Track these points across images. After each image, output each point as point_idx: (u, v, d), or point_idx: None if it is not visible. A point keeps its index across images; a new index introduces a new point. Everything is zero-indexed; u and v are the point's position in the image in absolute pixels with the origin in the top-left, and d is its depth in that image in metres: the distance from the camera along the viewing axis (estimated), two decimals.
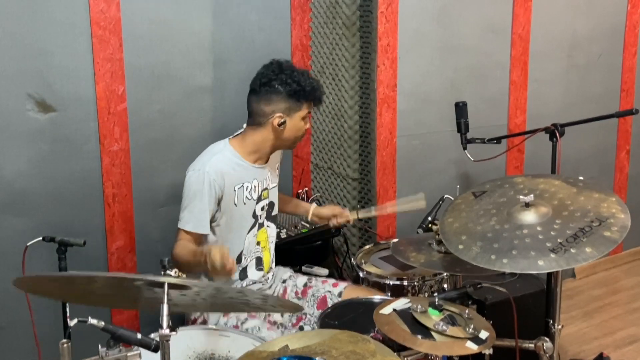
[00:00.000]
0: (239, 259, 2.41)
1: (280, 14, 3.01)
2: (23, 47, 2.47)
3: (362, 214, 2.70)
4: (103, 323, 1.56)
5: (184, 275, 1.62)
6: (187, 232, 2.29)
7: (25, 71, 2.49)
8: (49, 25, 2.51)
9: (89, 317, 1.56)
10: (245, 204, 2.38)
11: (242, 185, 2.36)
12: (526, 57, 3.46)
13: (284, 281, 2.57)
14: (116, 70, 2.64)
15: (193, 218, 2.28)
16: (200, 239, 2.31)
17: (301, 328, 2.39)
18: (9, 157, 2.52)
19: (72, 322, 1.63)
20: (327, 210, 2.70)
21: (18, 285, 1.49)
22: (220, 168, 2.30)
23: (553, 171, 2.43)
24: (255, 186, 2.40)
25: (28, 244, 2.16)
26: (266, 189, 2.46)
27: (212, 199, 2.28)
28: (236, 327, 2.28)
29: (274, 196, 2.53)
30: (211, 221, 2.33)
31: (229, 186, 2.32)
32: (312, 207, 2.72)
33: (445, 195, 2.65)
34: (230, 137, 2.43)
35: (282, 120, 2.33)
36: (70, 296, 1.73)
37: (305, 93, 2.34)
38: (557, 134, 2.43)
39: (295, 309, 1.85)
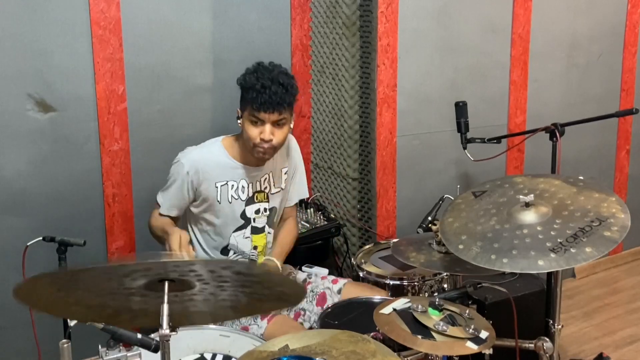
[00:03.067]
0: (225, 252, 2.43)
1: (280, 14, 3.01)
2: (23, 47, 2.48)
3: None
4: (103, 323, 1.56)
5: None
6: (160, 208, 2.40)
7: (25, 71, 2.49)
8: (49, 25, 2.51)
9: None
10: (230, 202, 2.38)
11: (226, 183, 2.37)
12: (526, 57, 3.46)
13: None
14: (116, 70, 2.64)
15: (166, 202, 2.38)
16: (172, 219, 2.40)
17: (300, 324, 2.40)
18: (9, 157, 2.52)
19: (72, 322, 1.63)
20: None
21: (19, 295, 1.45)
22: (197, 161, 2.33)
23: (553, 171, 2.43)
24: (243, 187, 2.39)
25: (28, 244, 2.16)
26: (262, 191, 2.44)
27: (185, 190, 2.34)
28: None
29: (276, 202, 2.50)
30: (190, 207, 2.40)
31: (208, 181, 2.34)
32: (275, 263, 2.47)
33: (445, 195, 2.64)
34: (227, 135, 2.44)
35: (238, 115, 2.34)
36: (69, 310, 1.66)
37: (244, 91, 2.27)
38: (557, 134, 2.43)
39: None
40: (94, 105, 2.63)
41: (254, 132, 2.26)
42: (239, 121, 2.33)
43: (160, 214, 2.38)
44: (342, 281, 2.49)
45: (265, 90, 2.20)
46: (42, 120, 2.56)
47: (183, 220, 2.47)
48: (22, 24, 2.46)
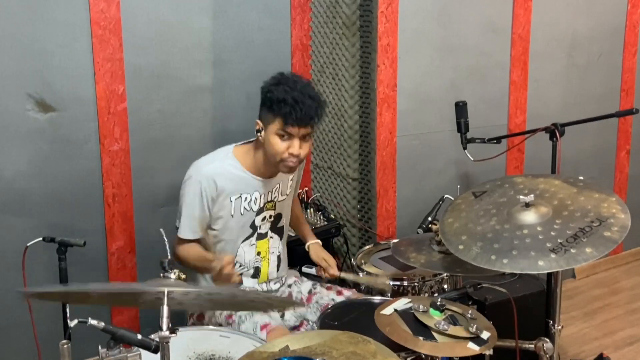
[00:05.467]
0: None
1: (280, 14, 3.01)
2: (23, 47, 2.47)
3: (344, 275, 2.59)
4: (103, 324, 1.56)
5: (183, 276, 1.62)
6: (184, 240, 2.31)
7: (25, 71, 2.49)
8: (49, 25, 2.50)
9: (89, 318, 1.55)
10: (242, 214, 2.34)
11: (240, 196, 2.32)
12: (526, 57, 3.46)
13: (289, 286, 2.55)
14: (116, 70, 2.63)
15: (187, 226, 2.29)
16: (199, 241, 2.32)
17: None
18: (9, 157, 2.52)
19: (72, 323, 1.63)
20: (324, 255, 2.60)
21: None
22: (215, 177, 2.27)
23: (553, 171, 2.43)
24: (256, 198, 2.35)
25: (28, 244, 2.16)
26: (272, 201, 2.41)
27: (204, 208, 2.28)
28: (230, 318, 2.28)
29: (281, 208, 2.47)
30: (208, 227, 2.34)
31: (224, 197, 2.29)
32: (312, 242, 2.64)
33: (445, 195, 2.64)
34: (238, 143, 2.39)
35: (258, 127, 2.25)
36: (69, 298, 1.72)
37: (274, 104, 2.18)
38: (557, 134, 2.43)
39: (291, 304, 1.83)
40: (94, 105, 2.63)
41: (281, 146, 2.20)
42: (259, 134, 2.25)
43: (185, 239, 2.30)
44: (346, 293, 2.48)
45: (298, 105, 2.13)
46: (42, 120, 2.56)
47: None
48: (22, 24, 2.46)
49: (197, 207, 2.27)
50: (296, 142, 2.20)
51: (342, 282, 2.66)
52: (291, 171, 2.32)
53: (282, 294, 2.52)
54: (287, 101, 2.14)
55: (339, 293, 2.47)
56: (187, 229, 2.29)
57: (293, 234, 2.79)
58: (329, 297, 2.45)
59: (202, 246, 2.30)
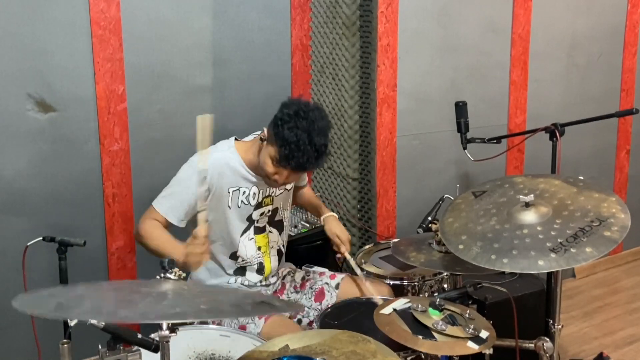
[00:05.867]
0: (234, 257, 2.40)
1: (280, 14, 3.01)
2: (23, 47, 2.48)
3: (353, 262, 2.53)
4: (103, 323, 1.56)
5: (183, 275, 1.62)
6: (157, 213, 2.27)
7: (25, 71, 2.49)
8: (49, 25, 2.51)
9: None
10: (239, 207, 2.35)
11: (238, 189, 2.33)
12: (526, 57, 3.46)
13: (284, 277, 2.56)
14: (116, 70, 2.64)
15: (169, 204, 2.26)
16: (167, 225, 2.29)
17: (299, 321, 2.40)
18: (9, 157, 2.52)
19: (72, 322, 1.63)
20: (337, 231, 2.54)
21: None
22: (215, 165, 2.27)
23: (553, 171, 2.43)
24: (254, 193, 2.35)
25: (28, 244, 2.16)
26: (270, 196, 2.42)
27: (196, 196, 2.25)
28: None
29: (279, 202, 2.47)
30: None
31: (222, 187, 2.29)
32: (327, 215, 2.61)
33: (445, 195, 2.65)
34: (239, 139, 2.40)
35: (262, 136, 2.24)
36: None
37: (278, 136, 2.15)
38: (557, 134, 2.43)
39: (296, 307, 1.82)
40: (94, 105, 2.63)
41: (271, 169, 2.21)
42: (262, 142, 2.24)
43: (158, 213, 2.26)
44: (339, 276, 2.49)
45: (298, 151, 2.11)
46: (42, 120, 2.56)
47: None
48: (22, 24, 2.46)
49: (189, 192, 2.24)
50: (285, 173, 2.21)
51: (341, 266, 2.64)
52: (274, 186, 2.36)
53: (276, 286, 2.52)
54: (290, 143, 2.12)
55: (332, 277, 2.48)
56: (168, 206, 2.26)
57: (293, 234, 2.79)
58: (322, 281, 2.47)
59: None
